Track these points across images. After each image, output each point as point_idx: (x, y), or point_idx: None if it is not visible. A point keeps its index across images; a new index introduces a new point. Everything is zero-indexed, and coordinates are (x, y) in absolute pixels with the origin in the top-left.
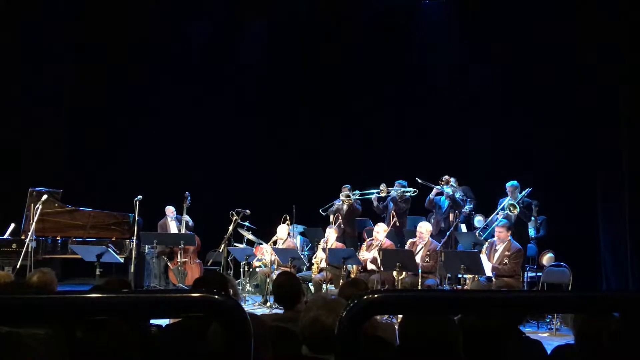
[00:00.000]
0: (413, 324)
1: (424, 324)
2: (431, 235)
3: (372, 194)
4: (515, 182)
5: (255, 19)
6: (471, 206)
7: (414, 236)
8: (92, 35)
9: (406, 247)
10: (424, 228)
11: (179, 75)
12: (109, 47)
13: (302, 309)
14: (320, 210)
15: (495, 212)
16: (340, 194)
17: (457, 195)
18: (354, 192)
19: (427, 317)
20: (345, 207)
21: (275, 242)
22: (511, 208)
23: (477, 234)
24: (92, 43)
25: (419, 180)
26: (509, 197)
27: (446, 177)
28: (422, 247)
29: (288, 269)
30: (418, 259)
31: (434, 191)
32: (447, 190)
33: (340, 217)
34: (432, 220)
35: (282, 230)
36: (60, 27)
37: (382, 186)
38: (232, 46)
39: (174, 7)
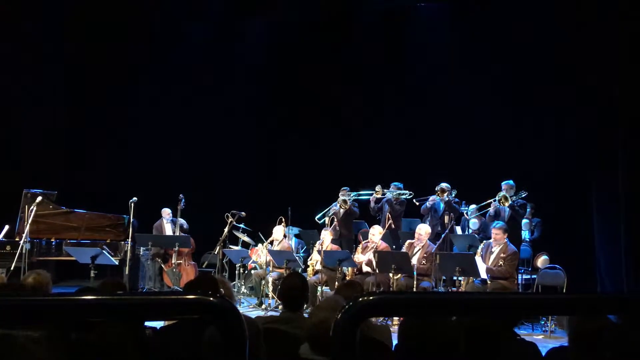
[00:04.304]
0: (414, 325)
1: (426, 325)
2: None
3: (368, 195)
4: (511, 182)
5: (255, 19)
6: (467, 208)
7: (410, 238)
8: (91, 35)
9: (404, 248)
10: (423, 230)
11: (177, 75)
12: (108, 47)
13: (301, 313)
14: (316, 218)
15: (486, 203)
16: (339, 196)
17: (452, 199)
18: (351, 196)
19: (429, 319)
20: (342, 209)
21: (271, 243)
22: (503, 200)
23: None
24: (91, 43)
25: (417, 202)
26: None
27: (442, 186)
28: (420, 249)
29: (284, 271)
30: (415, 260)
31: (429, 201)
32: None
33: (336, 219)
34: (428, 224)
35: (278, 231)
36: (59, 27)
37: (378, 187)
38: (231, 46)
39: (173, 7)
